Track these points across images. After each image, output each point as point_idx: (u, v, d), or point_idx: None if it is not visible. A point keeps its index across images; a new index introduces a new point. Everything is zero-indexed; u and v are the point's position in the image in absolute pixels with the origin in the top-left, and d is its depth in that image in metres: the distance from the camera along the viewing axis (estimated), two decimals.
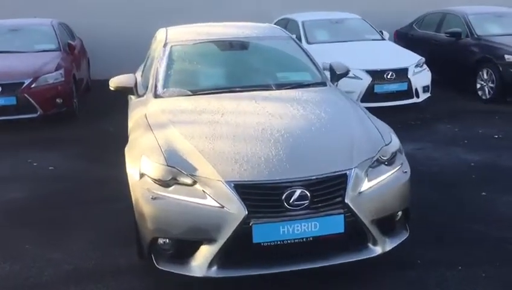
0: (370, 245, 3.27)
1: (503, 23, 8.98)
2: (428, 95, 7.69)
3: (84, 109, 8.07)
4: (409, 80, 7.39)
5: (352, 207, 3.12)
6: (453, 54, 8.82)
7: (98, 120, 7.64)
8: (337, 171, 3.18)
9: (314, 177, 3.12)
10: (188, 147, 3.35)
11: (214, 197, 3.08)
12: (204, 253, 3.10)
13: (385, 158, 3.42)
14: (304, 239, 3.09)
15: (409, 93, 7.44)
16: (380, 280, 3.38)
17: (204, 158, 3.23)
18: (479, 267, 3.47)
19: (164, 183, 3.21)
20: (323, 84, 4.46)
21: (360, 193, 3.18)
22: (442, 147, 5.99)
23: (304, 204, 3.07)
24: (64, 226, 4.29)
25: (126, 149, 3.76)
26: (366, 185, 3.24)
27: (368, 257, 3.24)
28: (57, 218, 4.43)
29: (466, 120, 7.17)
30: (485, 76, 8.14)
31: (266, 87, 4.27)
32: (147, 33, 10.36)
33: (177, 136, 3.48)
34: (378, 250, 3.26)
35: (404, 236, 3.45)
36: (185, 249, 3.17)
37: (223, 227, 3.03)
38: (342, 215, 3.11)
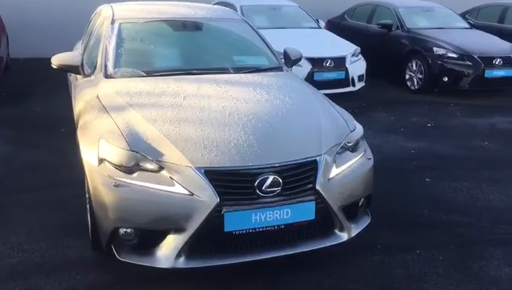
0: (337, 231, 3.27)
1: (432, 17, 9.41)
2: (363, 84, 7.90)
3: (5, 89, 7.47)
4: (346, 68, 7.54)
5: (322, 194, 3.09)
6: (384, 45, 9.10)
7: (23, 100, 7.11)
8: (308, 157, 3.14)
9: (286, 163, 3.05)
10: (151, 131, 3.15)
11: (182, 184, 2.92)
12: (172, 243, 2.95)
13: (350, 145, 3.43)
14: (276, 227, 3.03)
15: (346, 81, 7.59)
16: (344, 266, 3.40)
17: (171, 143, 3.06)
18: (436, 250, 3.59)
19: (127, 170, 3.00)
20: (279, 69, 4.40)
21: (329, 179, 3.16)
22: (382, 135, 6.17)
23: (276, 191, 3.00)
24: (1, 216, 3.92)
25: (79, 133, 3.49)
26: (334, 172, 3.22)
27: (335, 243, 3.24)
28: None
29: (399, 109, 7.43)
30: (414, 67, 8.49)
31: (224, 71, 4.13)
32: (71, 9, 9.91)
33: (139, 119, 3.27)
34: (344, 236, 3.27)
35: (366, 221, 3.49)
36: (149, 239, 3.00)
37: (193, 215, 2.89)
38: (313, 202, 3.07)
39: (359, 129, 3.60)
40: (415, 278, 3.30)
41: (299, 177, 3.07)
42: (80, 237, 3.53)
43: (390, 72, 8.98)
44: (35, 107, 6.77)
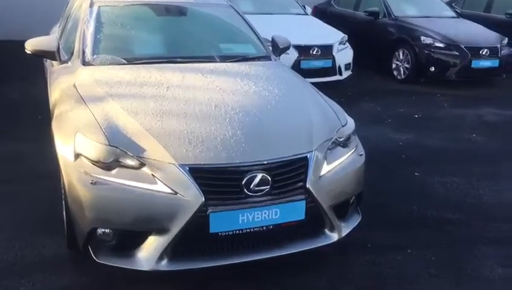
0: (327, 231, 3.13)
1: (419, 6, 9.26)
2: (350, 73, 7.74)
3: None
4: (334, 57, 7.36)
5: (313, 192, 2.94)
6: (371, 33, 8.95)
7: None
8: (299, 154, 2.97)
9: (276, 161, 2.88)
10: (132, 125, 2.95)
11: (165, 182, 2.74)
12: (154, 244, 2.77)
13: (341, 140, 3.27)
14: (264, 227, 2.87)
15: (333, 70, 7.42)
16: (334, 266, 3.27)
17: (153, 138, 2.86)
18: (427, 250, 3.47)
19: (105, 166, 2.81)
20: (267, 58, 4.21)
21: (320, 177, 3.01)
22: (369, 126, 6.02)
23: (265, 190, 2.83)
24: None
25: (54, 124, 3.27)
26: (325, 169, 3.07)
27: (325, 243, 3.10)
28: None
29: (386, 99, 7.30)
30: (401, 56, 8.36)
31: (209, 59, 3.93)
32: None
33: (118, 111, 3.06)
34: (334, 236, 3.13)
35: (357, 220, 3.35)
36: (130, 240, 2.82)
37: (176, 216, 2.71)
38: (304, 202, 2.92)
39: (351, 124, 3.44)
40: (407, 279, 3.17)
41: (289, 175, 2.91)
42: (55, 234, 3.31)
43: (377, 61, 8.84)
44: (10, 93, 6.47)
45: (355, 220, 3.33)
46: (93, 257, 2.83)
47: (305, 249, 3.03)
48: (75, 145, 2.91)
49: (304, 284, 3.08)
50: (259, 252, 2.93)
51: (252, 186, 2.80)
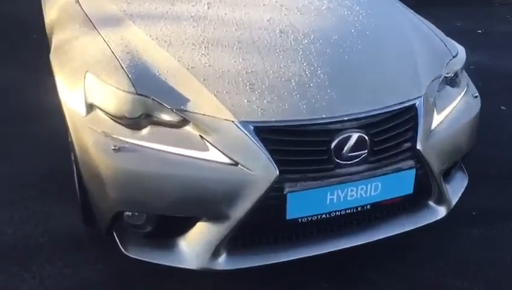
0: (432, 204, 2.29)
1: None
2: None
3: None
4: None
5: (424, 155, 2.08)
6: None
7: None
8: (405, 102, 2.08)
9: (376, 113, 2.00)
10: (166, 61, 2.04)
11: (220, 147, 1.88)
12: (206, 235, 1.95)
13: (450, 76, 2.37)
14: (358, 208, 2.04)
15: None
16: (435, 249, 2.46)
17: (199, 81, 1.96)
18: None
19: (132, 124, 1.94)
20: None
21: (430, 132, 2.14)
22: None
23: (361, 156, 1.98)
24: None
25: (53, 58, 2.35)
26: (436, 120, 2.20)
27: (432, 221, 2.27)
28: None
29: (436, 10, 6.20)
30: None
31: None
32: None
33: (144, 39, 2.14)
34: (442, 211, 2.29)
35: (463, 183, 2.52)
36: (170, 227, 2.01)
37: (238, 196, 1.87)
38: (413, 170, 2.06)
39: (462, 53, 2.53)
40: None
41: (393, 133, 2.04)
42: (62, 198, 2.53)
43: None
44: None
45: (461, 184, 2.50)
46: (121, 248, 2.04)
47: (406, 230, 2.21)
48: (85, 92, 2.02)
49: (400, 277, 2.30)
50: (348, 239, 2.12)
51: (344, 151, 1.94)
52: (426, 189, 2.21)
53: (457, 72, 2.44)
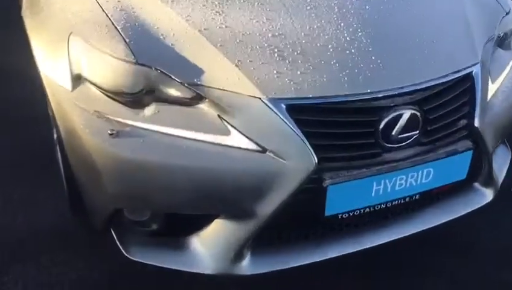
0: (479, 187, 1.98)
1: None
2: None
3: None
4: None
5: (481, 133, 1.75)
6: None
7: None
8: (461, 70, 1.73)
9: (429, 85, 1.64)
10: (172, 21, 1.63)
11: (245, 131, 1.51)
12: (225, 233, 1.61)
13: (502, 35, 2.03)
14: (406, 199, 1.72)
15: None
16: (480, 235, 2.17)
17: (216, 48, 1.57)
18: None
19: (132, 101, 1.55)
20: None
21: (486, 104, 1.81)
22: None
23: (413, 137, 1.63)
24: None
25: (25, 15, 1.91)
26: (491, 90, 1.86)
27: (479, 205, 1.97)
28: None
29: None
30: None
31: None
32: None
33: None
34: (489, 194, 1.99)
35: (508, 158, 2.21)
36: (181, 225, 1.66)
37: (267, 191, 1.52)
38: (471, 152, 1.74)
39: None
40: None
41: (448, 108, 1.69)
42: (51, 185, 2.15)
43: None
44: None
45: (505, 159, 2.19)
46: (122, 250, 1.68)
47: (454, 217, 1.91)
48: (70, 60, 1.61)
49: (444, 271, 2.03)
50: (390, 231, 1.80)
51: (394, 133, 1.59)
52: (476, 171, 1.90)
53: (507, 33, 2.09)
